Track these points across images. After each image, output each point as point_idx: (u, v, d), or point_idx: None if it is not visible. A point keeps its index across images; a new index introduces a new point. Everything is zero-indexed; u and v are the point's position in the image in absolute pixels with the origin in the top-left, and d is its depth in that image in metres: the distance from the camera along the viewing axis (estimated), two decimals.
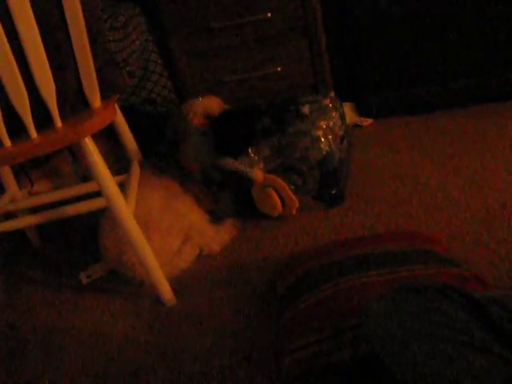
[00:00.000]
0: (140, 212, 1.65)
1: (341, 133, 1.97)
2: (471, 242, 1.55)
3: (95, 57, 1.35)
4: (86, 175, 2.29)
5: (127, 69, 2.13)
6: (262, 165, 1.85)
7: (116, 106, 1.71)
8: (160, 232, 1.70)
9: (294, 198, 1.82)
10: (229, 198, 1.94)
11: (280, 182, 1.81)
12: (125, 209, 1.49)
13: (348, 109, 2.46)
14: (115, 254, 1.68)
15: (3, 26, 1.17)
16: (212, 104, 1.96)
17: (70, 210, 1.63)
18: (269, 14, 2.17)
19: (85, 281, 1.81)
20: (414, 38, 2.31)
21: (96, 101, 1.41)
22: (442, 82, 2.38)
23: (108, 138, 2.06)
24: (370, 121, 2.50)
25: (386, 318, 0.92)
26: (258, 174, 1.82)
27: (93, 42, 1.34)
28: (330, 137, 1.87)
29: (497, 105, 2.33)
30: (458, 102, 2.39)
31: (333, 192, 1.89)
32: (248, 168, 1.83)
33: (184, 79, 2.34)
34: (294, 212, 1.85)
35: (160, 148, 2.07)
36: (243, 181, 1.85)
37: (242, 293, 1.58)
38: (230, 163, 1.84)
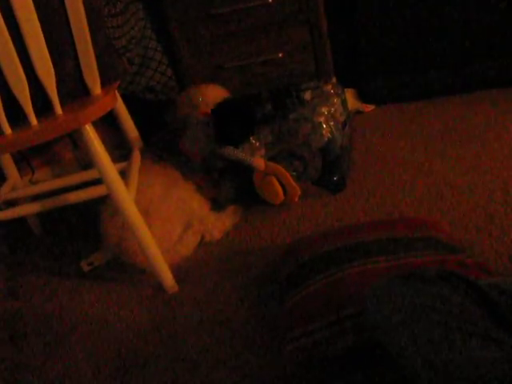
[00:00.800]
0: (141, 199, 1.64)
1: (342, 119, 1.96)
2: (474, 229, 1.55)
3: (95, 43, 1.34)
4: (87, 162, 2.28)
5: (127, 55, 2.12)
6: (263, 151, 1.84)
7: (116, 92, 1.70)
8: (161, 219, 1.70)
9: (295, 186, 1.81)
10: (230, 184, 1.93)
11: (281, 170, 1.80)
12: (126, 196, 1.49)
13: (350, 95, 2.44)
14: (116, 242, 1.68)
15: (2, 13, 1.16)
16: (213, 92, 1.94)
17: (72, 197, 1.63)
18: (270, 0, 2.15)
19: (86, 269, 1.81)
20: (416, 23, 2.30)
21: (96, 87, 1.40)
22: (444, 67, 2.37)
23: (109, 125, 2.05)
24: (371, 107, 2.49)
25: (387, 304, 0.92)
26: (259, 162, 1.82)
27: (92, 28, 1.32)
28: (332, 123, 1.86)
29: (500, 91, 2.32)
30: (461, 87, 2.38)
31: (335, 178, 1.88)
32: (249, 156, 1.82)
33: (184, 66, 2.33)
34: (296, 200, 1.84)
35: (161, 136, 2.06)
36: (244, 168, 1.85)
37: (244, 280, 1.58)
38: (230, 152, 1.83)
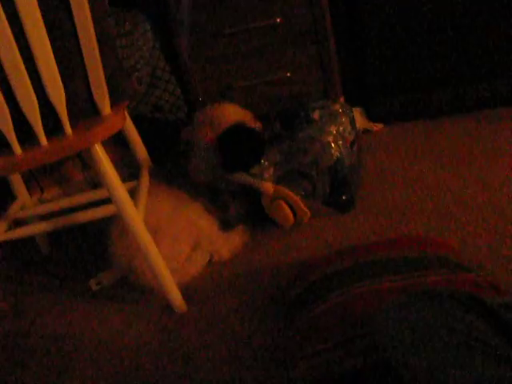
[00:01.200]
0: (149, 219, 1.64)
1: (351, 138, 1.96)
2: (484, 247, 1.54)
3: (104, 63, 1.35)
4: (96, 182, 2.29)
5: (135, 74, 2.13)
6: (271, 171, 1.84)
7: (126, 112, 1.71)
8: (169, 239, 1.70)
9: (305, 209, 1.80)
10: (240, 205, 1.92)
11: (291, 194, 1.79)
12: (135, 215, 1.49)
13: (358, 114, 2.45)
14: (125, 261, 1.68)
15: (13, 34, 1.18)
16: (232, 111, 1.91)
17: (81, 217, 1.63)
18: (278, 20, 2.17)
19: (94, 288, 1.81)
20: (423, 42, 2.31)
21: (106, 107, 1.41)
22: (452, 86, 2.37)
23: (118, 144, 2.06)
24: (380, 126, 2.49)
25: (398, 325, 0.91)
26: (267, 186, 1.81)
27: (102, 48, 1.34)
28: (340, 142, 1.86)
29: (508, 109, 2.31)
30: (469, 106, 2.38)
31: (343, 198, 1.88)
32: (258, 181, 1.82)
33: (193, 85, 2.34)
34: (306, 221, 1.84)
35: (170, 156, 2.07)
36: (253, 190, 1.84)
37: (253, 300, 1.58)
38: (238, 176, 1.82)
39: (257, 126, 1.90)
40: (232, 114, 1.90)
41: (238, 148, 1.79)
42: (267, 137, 1.88)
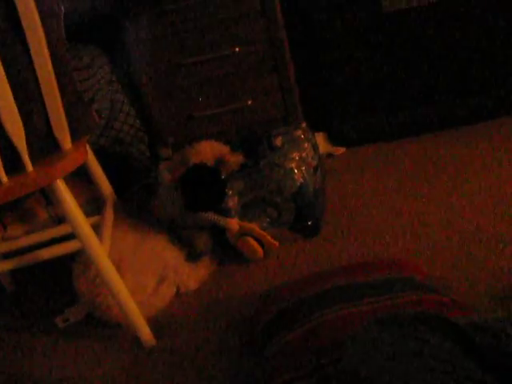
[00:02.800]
0: (112, 252, 1.62)
1: (314, 163, 1.98)
2: (449, 266, 1.56)
3: (64, 98, 1.34)
4: (60, 217, 2.26)
5: (94, 106, 2.12)
6: (236, 199, 1.84)
7: (87, 146, 1.70)
8: (133, 271, 1.68)
9: (273, 241, 1.81)
10: (205, 239, 1.90)
11: (257, 230, 1.80)
12: (99, 251, 1.47)
13: (320, 138, 2.47)
14: (90, 297, 1.66)
15: None
16: (209, 148, 1.88)
17: (45, 253, 1.60)
18: (237, 49, 2.19)
19: (61, 325, 1.77)
20: (382, 64, 2.35)
21: (66, 142, 1.39)
22: (411, 108, 2.42)
23: (80, 178, 2.04)
24: (342, 149, 2.51)
25: (366, 351, 0.91)
26: (232, 224, 1.81)
27: (60, 83, 1.33)
28: (304, 168, 1.87)
29: (466, 128, 2.36)
30: (429, 127, 2.42)
31: (309, 223, 1.88)
32: (222, 219, 1.82)
33: (154, 117, 2.34)
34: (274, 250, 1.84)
35: (135, 190, 2.05)
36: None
37: (222, 330, 1.56)
38: (202, 215, 1.82)
39: (237, 158, 1.88)
40: (209, 151, 1.89)
41: (199, 189, 1.79)
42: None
